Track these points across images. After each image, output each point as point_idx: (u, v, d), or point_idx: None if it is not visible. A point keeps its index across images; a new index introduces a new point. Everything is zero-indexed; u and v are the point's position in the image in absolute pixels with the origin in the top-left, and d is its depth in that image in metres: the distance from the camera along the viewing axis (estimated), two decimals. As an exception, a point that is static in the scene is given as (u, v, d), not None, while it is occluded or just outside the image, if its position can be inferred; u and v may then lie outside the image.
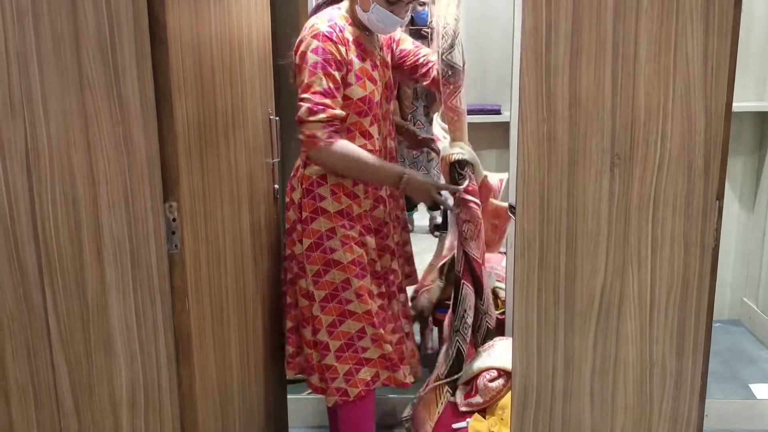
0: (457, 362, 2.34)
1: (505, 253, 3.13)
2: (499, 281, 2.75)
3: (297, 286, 2.17)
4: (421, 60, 2.32)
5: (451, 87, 2.18)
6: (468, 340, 2.31)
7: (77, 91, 1.37)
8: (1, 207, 1.43)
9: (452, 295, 2.38)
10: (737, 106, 1.50)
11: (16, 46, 1.36)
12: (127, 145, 1.39)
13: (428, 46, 5.52)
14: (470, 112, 3.59)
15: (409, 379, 2.21)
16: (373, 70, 2.11)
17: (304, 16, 3.12)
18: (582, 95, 1.48)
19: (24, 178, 1.42)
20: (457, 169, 2.22)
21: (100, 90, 1.37)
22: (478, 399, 2.26)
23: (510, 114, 3.00)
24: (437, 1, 2.33)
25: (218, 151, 1.69)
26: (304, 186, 2.11)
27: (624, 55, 1.46)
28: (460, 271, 2.30)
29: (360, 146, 2.07)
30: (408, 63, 2.30)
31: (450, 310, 2.40)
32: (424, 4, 5.61)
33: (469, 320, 2.30)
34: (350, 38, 2.05)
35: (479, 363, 2.29)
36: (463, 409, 2.29)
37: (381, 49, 2.19)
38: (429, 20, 5.18)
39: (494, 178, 2.51)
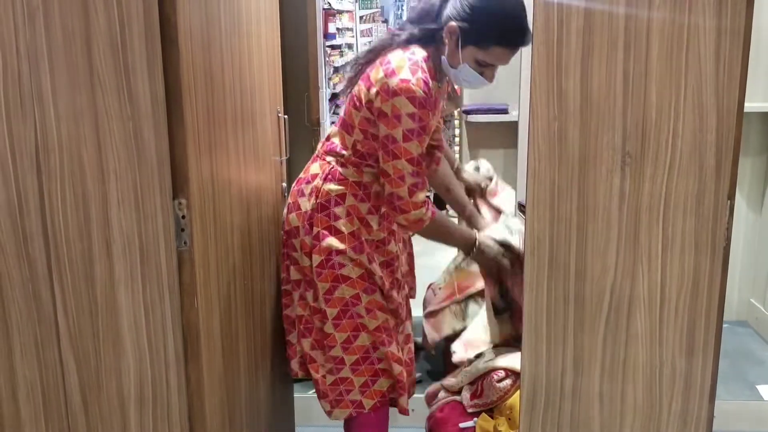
0: None
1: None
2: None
3: (305, 300, 2.15)
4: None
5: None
6: None
7: (88, 89, 1.37)
8: (11, 204, 1.43)
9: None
10: (745, 107, 1.50)
11: (27, 43, 1.36)
12: (137, 142, 1.39)
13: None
14: (477, 111, 3.60)
15: (405, 403, 2.19)
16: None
17: (313, 15, 3.13)
18: (593, 93, 1.47)
19: (34, 175, 1.42)
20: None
21: (110, 88, 1.37)
22: (484, 399, 2.25)
23: (518, 113, 3.01)
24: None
25: (227, 149, 1.69)
26: (319, 200, 2.04)
27: (636, 53, 1.45)
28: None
29: None
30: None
31: None
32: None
33: None
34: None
35: (486, 363, 2.28)
36: (470, 410, 2.28)
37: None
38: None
39: None
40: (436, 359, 2.89)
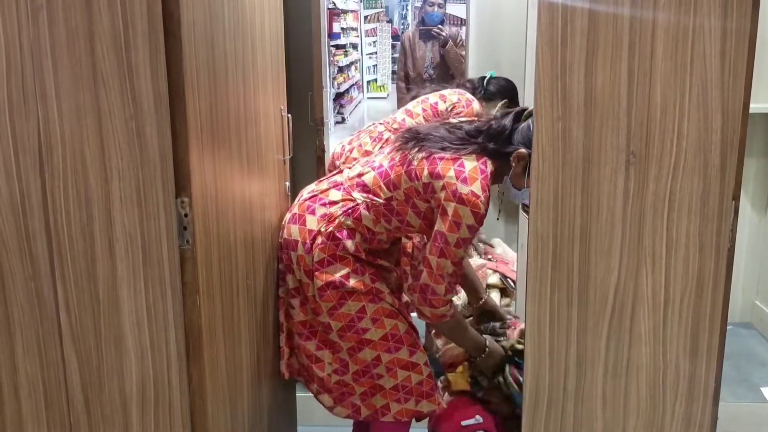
0: None
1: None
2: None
3: (306, 307, 2.15)
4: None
5: None
6: None
7: (91, 87, 1.37)
8: (13, 202, 1.43)
9: None
10: (750, 108, 1.49)
11: (30, 41, 1.36)
12: (140, 140, 1.39)
13: (439, 46, 5.49)
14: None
15: (425, 408, 2.19)
16: None
17: (317, 14, 3.13)
18: (597, 92, 1.47)
19: (37, 173, 1.42)
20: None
21: (113, 86, 1.37)
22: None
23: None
24: None
25: (230, 147, 1.69)
26: (332, 228, 2.08)
27: (640, 52, 1.45)
28: None
29: (393, 235, 2.17)
30: None
31: None
32: (434, 4, 5.60)
33: None
34: None
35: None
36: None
37: None
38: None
39: None
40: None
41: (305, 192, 2.22)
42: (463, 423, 2.24)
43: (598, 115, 1.48)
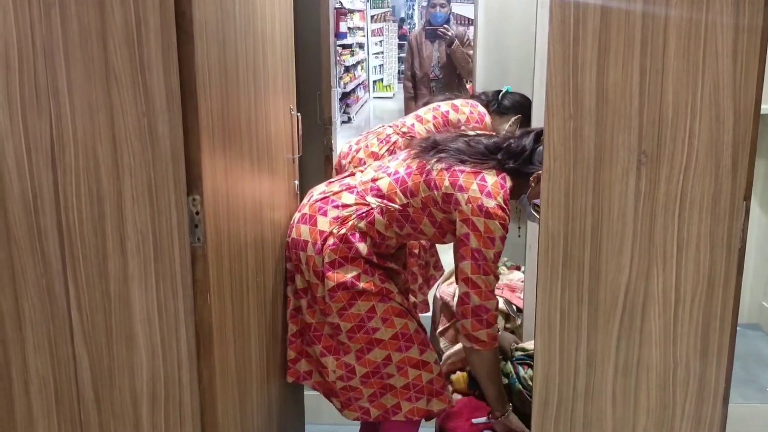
0: None
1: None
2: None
3: (313, 309, 2.15)
4: None
5: None
6: None
7: (103, 84, 1.38)
8: (25, 198, 1.43)
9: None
10: (762, 108, 1.49)
11: (43, 38, 1.36)
12: (152, 137, 1.39)
13: (445, 45, 5.49)
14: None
15: (435, 406, 2.19)
16: None
17: (326, 14, 3.13)
18: (609, 91, 1.46)
19: (49, 170, 1.42)
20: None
21: (125, 83, 1.37)
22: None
23: (532, 111, 2.99)
24: None
25: (241, 146, 1.69)
26: (345, 231, 2.08)
27: (653, 51, 1.44)
28: None
29: (405, 242, 2.20)
30: None
31: None
32: (436, 5, 5.60)
33: None
34: None
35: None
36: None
37: None
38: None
39: None
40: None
41: (315, 192, 2.22)
42: (474, 421, 2.24)
43: (610, 114, 1.47)
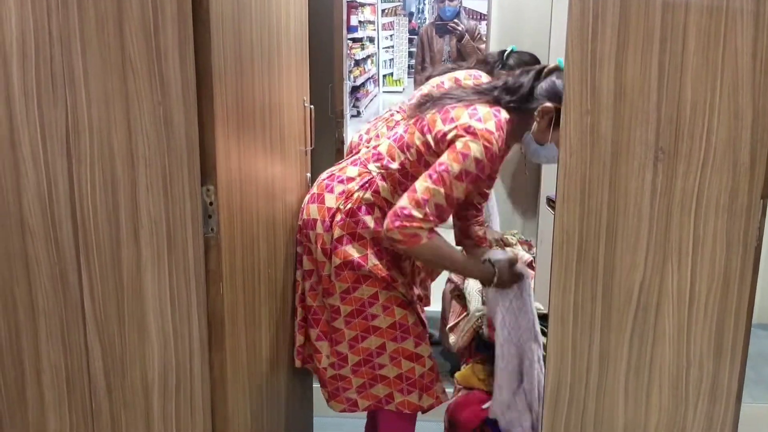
0: None
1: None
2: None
3: (316, 291, 2.14)
4: None
5: None
6: None
7: (119, 73, 1.37)
8: (40, 187, 1.43)
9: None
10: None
11: (60, 26, 1.36)
12: (167, 127, 1.39)
13: (455, 40, 5.47)
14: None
15: (425, 402, 2.17)
16: None
17: (339, 7, 3.12)
18: (627, 87, 1.45)
19: (64, 159, 1.42)
20: None
21: (142, 72, 1.37)
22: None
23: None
24: None
25: (255, 136, 1.69)
26: (351, 205, 2.05)
27: (672, 47, 1.43)
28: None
29: None
30: None
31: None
32: (446, 0, 5.57)
33: None
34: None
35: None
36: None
37: None
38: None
39: None
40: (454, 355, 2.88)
41: (324, 173, 2.21)
42: (484, 406, 2.24)
43: (628, 110, 1.46)
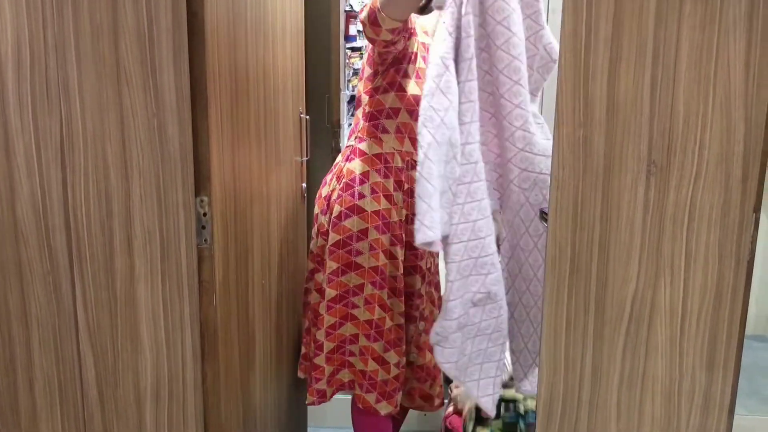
0: None
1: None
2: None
3: (313, 281, 2.16)
4: None
5: None
6: None
7: (114, 84, 1.38)
8: (34, 196, 1.44)
9: None
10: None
11: (55, 36, 1.37)
12: (162, 137, 1.39)
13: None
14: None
15: (382, 409, 2.15)
16: None
17: (336, 17, 3.13)
18: (620, 100, 1.46)
19: (58, 168, 1.42)
20: None
21: (136, 82, 1.38)
22: None
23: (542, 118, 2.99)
24: None
25: (249, 147, 1.69)
26: (344, 180, 2.06)
27: (664, 61, 1.44)
28: None
29: (406, 153, 2.05)
30: None
31: None
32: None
33: None
34: (419, 36, 2.01)
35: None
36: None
37: None
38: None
39: None
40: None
41: None
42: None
43: (620, 123, 1.47)
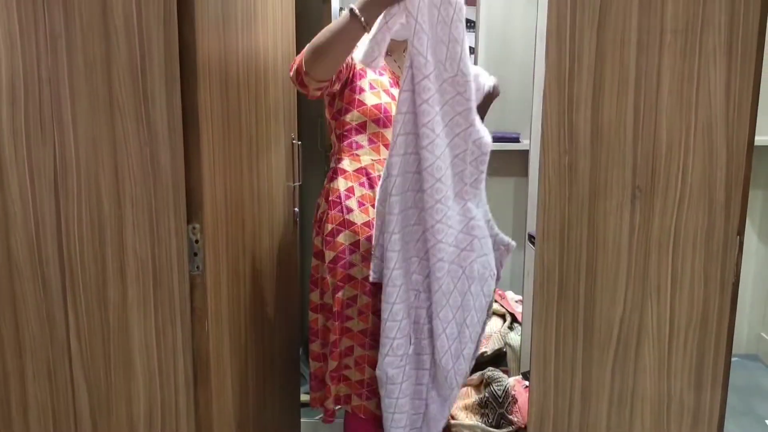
0: None
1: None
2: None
3: (319, 303, 2.16)
4: None
5: None
6: None
7: (107, 115, 1.40)
8: (27, 226, 1.45)
9: None
10: (758, 140, 1.51)
11: (49, 69, 1.39)
12: (154, 167, 1.41)
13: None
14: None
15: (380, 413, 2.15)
16: (391, 87, 2.11)
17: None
18: (604, 127, 1.49)
19: (51, 198, 1.44)
20: None
21: (129, 113, 1.40)
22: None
23: (530, 143, 3.03)
24: None
25: (241, 174, 1.71)
26: (331, 198, 2.08)
27: (646, 88, 1.47)
28: None
29: (384, 160, 2.06)
30: None
31: None
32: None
33: None
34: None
35: None
36: None
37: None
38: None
39: None
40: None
41: None
42: None
43: (605, 149, 1.50)
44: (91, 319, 1.48)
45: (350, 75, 2.05)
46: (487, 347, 3.00)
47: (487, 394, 2.65)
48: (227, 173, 1.60)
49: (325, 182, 2.14)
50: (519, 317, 3.16)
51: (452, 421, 2.61)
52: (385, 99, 2.07)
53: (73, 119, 1.40)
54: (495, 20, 3.71)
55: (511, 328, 3.13)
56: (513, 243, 2.11)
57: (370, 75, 2.07)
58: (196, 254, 1.46)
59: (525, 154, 3.29)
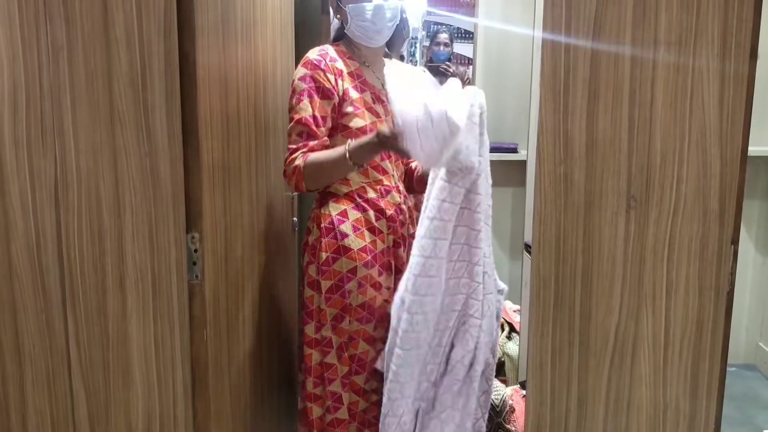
0: None
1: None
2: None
3: (315, 337, 2.11)
4: None
5: None
6: None
7: (107, 126, 1.41)
8: (28, 235, 1.46)
9: None
10: (754, 150, 1.53)
11: (51, 81, 1.41)
12: (154, 177, 1.43)
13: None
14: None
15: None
16: (375, 103, 2.08)
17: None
18: (599, 138, 1.50)
19: (52, 208, 1.45)
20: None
21: (129, 124, 1.41)
22: None
23: (527, 153, 3.05)
24: None
25: (240, 184, 1.73)
26: (323, 225, 2.03)
27: (641, 100, 1.49)
28: None
29: (375, 182, 2.07)
30: None
31: None
32: (440, 44, 5.69)
33: None
34: (344, 69, 2.03)
35: None
36: None
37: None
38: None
39: None
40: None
41: None
42: None
43: (600, 160, 1.51)
44: (90, 327, 1.49)
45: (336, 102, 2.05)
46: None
47: None
48: (226, 183, 1.61)
49: (314, 206, 2.10)
50: (517, 327, 3.16)
51: None
52: (370, 119, 2.05)
53: (74, 129, 1.42)
54: (493, 32, 3.75)
55: (509, 338, 3.14)
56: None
57: (353, 94, 2.04)
58: (195, 263, 1.47)
59: (523, 164, 3.31)
